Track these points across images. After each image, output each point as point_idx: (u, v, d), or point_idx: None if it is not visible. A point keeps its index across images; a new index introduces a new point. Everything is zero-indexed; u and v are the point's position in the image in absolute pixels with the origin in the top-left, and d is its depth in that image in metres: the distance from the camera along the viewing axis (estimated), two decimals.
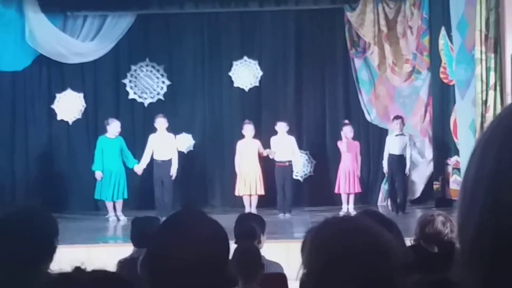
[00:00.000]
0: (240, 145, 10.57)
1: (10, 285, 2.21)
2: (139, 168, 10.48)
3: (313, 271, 1.48)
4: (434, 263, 3.84)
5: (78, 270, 1.31)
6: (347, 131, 10.68)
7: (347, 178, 10.67)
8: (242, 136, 10.63)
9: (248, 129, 10.54)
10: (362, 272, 1.44)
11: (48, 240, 2.33)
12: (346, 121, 10.96)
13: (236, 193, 10.59)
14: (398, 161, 10.35)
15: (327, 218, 1.61)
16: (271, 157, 10.47)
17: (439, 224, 4.06)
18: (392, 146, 10.45)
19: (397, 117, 10.60)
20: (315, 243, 1.52)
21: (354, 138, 10.86)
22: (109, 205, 10.46)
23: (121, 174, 10.40)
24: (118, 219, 10.35)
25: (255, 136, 10.62)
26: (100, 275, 1.32)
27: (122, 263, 4.54)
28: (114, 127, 10.41)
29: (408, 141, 10.49)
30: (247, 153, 10.48)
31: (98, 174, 10.36)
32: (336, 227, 1.56)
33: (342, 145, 10.72)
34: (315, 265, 1.47)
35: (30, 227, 2.30)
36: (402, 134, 10.48)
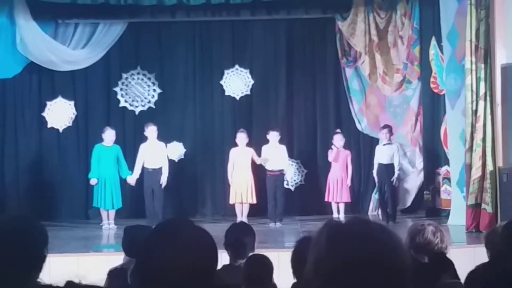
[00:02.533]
0: (233, 153, 10.55)
1: None
2: (132, 179, 10.46)
3: (321, 276, 1.41)
4: (425, 273, 3.84)
5: (70, 284, 1.29)
6: (337, 140, 10.72)
7: (336, 186, 10.70)
8: (235, 145, 10.62)
9: (242, 137, 10.53)
10: (376, 277, 1.39)
11: (37, 249, 2.31)
12: (338, 130, 10.99)
13: (231, 202, 10.57)
14: (387, 170, 10.36)
15: (333, 220, 1.51)
16: (263, 164, 10.47)
17: (429, 234, 4.06)
18: (380, 155, 10.47)
19: (384, 127, 10.62)
20: (325, 246, 1.43)
21: (345, 147, 10.88)
22: (104, 213, 10.43)
23: (115, 182, 10.38)
24: (110, 228, 10.32)
25: (247, 145, 10.62)
26: None
27: (113, 273, 4.52)
28: (107, 135, 10.41)
29: (396, 150, 10.50)
30: (240, 161, 10.46)
31: (93, 181, 10.36)
32: (352, 228, 1.47)
33: (330, 153, 10.75)
34: (324, 269, 1.41)
35: (19, 236, 2.29)
36: (390, 143, 10.49)
